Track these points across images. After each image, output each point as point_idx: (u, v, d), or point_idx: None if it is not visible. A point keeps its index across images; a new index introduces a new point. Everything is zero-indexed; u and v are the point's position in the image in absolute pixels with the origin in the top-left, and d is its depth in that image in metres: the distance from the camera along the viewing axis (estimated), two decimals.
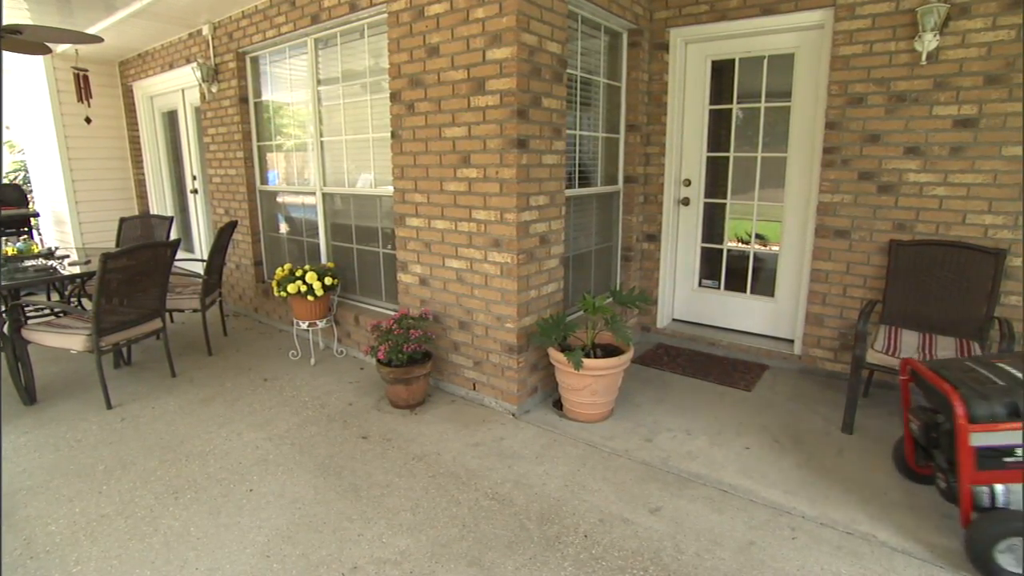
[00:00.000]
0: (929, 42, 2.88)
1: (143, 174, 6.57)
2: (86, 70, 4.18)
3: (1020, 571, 1.83)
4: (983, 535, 1.84)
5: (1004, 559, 1.83)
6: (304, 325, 3.91)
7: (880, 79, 3.10)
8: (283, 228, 4.79)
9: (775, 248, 3.80)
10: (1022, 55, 2.74)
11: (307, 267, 3.84)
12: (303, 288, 3.72)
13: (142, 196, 6.64)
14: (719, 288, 4.11)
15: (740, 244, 3.98)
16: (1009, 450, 1.85)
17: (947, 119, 2.97)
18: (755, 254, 3.90)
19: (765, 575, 1.93)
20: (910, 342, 2.83)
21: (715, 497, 2.35)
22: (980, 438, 1.84)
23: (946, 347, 2.76)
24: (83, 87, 3.99)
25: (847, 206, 3.30)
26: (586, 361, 2.76)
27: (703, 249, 4.13)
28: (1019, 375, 1.97)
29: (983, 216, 2.96)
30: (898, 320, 3.10)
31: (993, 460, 1.87)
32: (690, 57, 3.88)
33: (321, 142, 4.13)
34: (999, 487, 1.91)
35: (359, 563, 2.01)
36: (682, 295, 4.27)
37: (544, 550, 2.06)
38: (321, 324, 3.93)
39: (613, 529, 2.16)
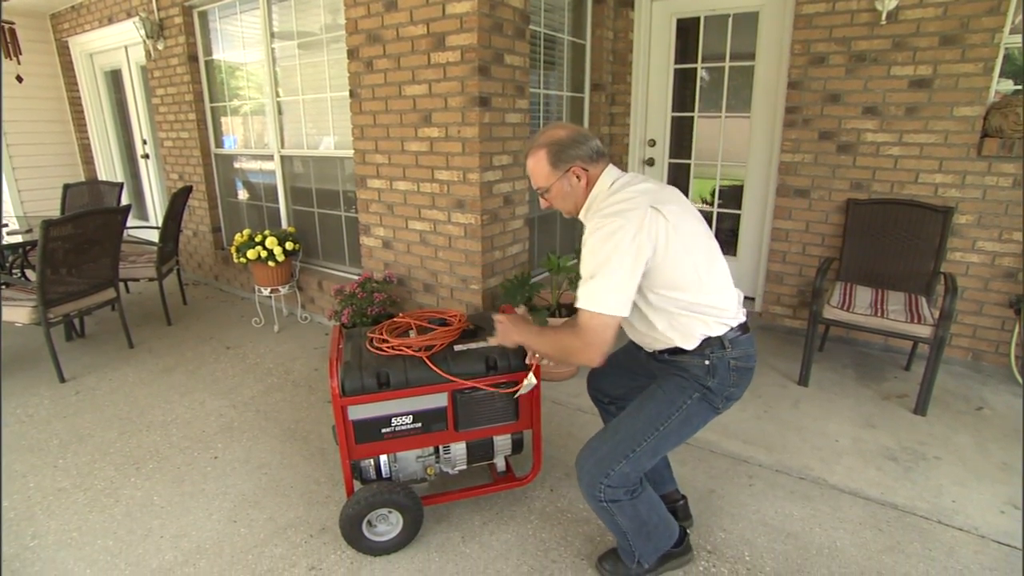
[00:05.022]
0: (889, 1, 2.90)
1: (87, 138, 6.21)
2: (12, 22, 3.84)
3: (382, 539, 1.87)
4: (353, 509, 1.80)
5: (368, 529, 1.85)
6: (266, 292, 3.82)
7: (841, 38, 3.12)
8: (242, 193, 4.62)
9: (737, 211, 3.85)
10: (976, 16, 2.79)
11: (267, 232, 3.73)
12: (263, 254, 3.61)
13: (88, 162, 6.29)
14: None
15: (705, 206, 4.02)
16: (386, 421, 1.81)
17: (903, 79, 3.01)
18: (718, 214, 3.95)
19: (723, 520, 2.02)
20: (864, 297, 2.94)
21: (678, 449, 2.41)
22: (356, 411, 1.77)
23: (896, 302, 2.87)
24: (10, 42, 3.66)
25: (807, 165, 3.35)
26: (551, 320, 2.77)
27: None
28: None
29: (934, 175, 3.05)
30: (853, 276, 3.21)
31: (372, 432, 1.81)
32: (655, 15, 3.83)
33: (278, 103, 3.96)
34: (383, 459, 1.90)
35: (327, 524, 2.02)
36: None
37: (511, 504, 2.10)
38: (284, 290, 3.84)
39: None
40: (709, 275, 1.53)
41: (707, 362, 1.54)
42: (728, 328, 1.54)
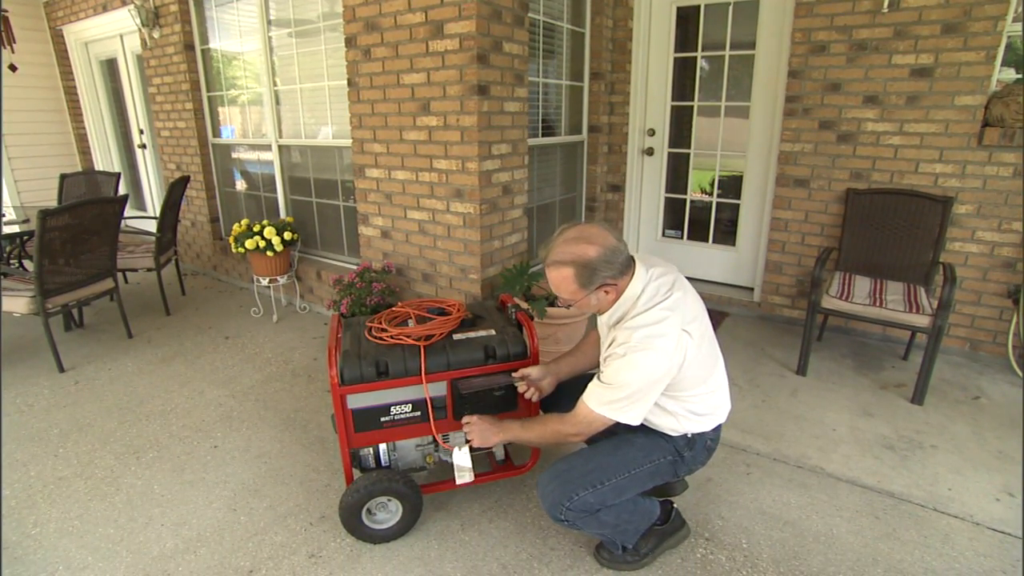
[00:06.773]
0: None
1: (84, 127, 6.17)
2: (6, 11, 3.80)
3: (381, 527, 1.87)
4: (353, 497, 1.80)
5: (368, 517, 1.86)
6: (265, 282, 3.82)
7: (843, 27, 3.09)
8: (240, 183, 4.60)
9: (736, 200, 3.84)
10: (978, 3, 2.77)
11: (265, 222, 3.72)
12: (262, 244, 3.61)
13: (85, 152, 6.25)
14: (682, 238, 4.16)
15: (704, 196, 4.01)
16: (385, 409, 1.82)
17: (904, 68, 2.99)
18: (717, 204, 3.94)
19: (721, 508, 2.03)
20: (862, 287, 2.94)
21: None
22: (356, 399, 1.77)
23: (895, 291, 2.87)
24: (4, 30, 3.62)
25: (807, 155, 3.34)
26: (549, 310, 2.77)
27: (667, 199, 4.16)
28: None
29: (934, 165, 3.04)
30: (852, 267, 3.21)
31: (371, 421, 1.82)
32: (655, 3, 3.79)
33: (275, 92, 3.94)
34: (382, 447, 1.91)
35: (327, 512, 2.03)
36: (646, 245, 4.31)
37: (510, 492, 2.12)
38: (282, 280, 3.84)
39: None
40: (713, 378, 1.63)
41: (689, 435, 1.66)
42: (713, 428, 1.67)
